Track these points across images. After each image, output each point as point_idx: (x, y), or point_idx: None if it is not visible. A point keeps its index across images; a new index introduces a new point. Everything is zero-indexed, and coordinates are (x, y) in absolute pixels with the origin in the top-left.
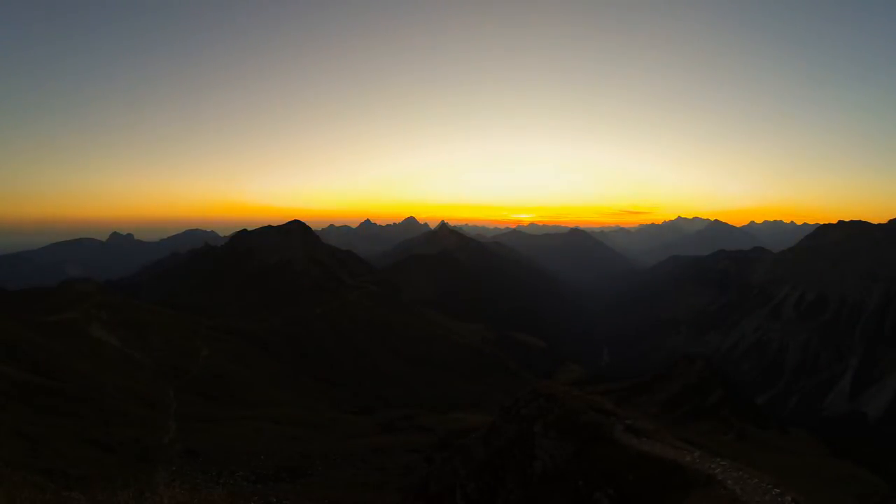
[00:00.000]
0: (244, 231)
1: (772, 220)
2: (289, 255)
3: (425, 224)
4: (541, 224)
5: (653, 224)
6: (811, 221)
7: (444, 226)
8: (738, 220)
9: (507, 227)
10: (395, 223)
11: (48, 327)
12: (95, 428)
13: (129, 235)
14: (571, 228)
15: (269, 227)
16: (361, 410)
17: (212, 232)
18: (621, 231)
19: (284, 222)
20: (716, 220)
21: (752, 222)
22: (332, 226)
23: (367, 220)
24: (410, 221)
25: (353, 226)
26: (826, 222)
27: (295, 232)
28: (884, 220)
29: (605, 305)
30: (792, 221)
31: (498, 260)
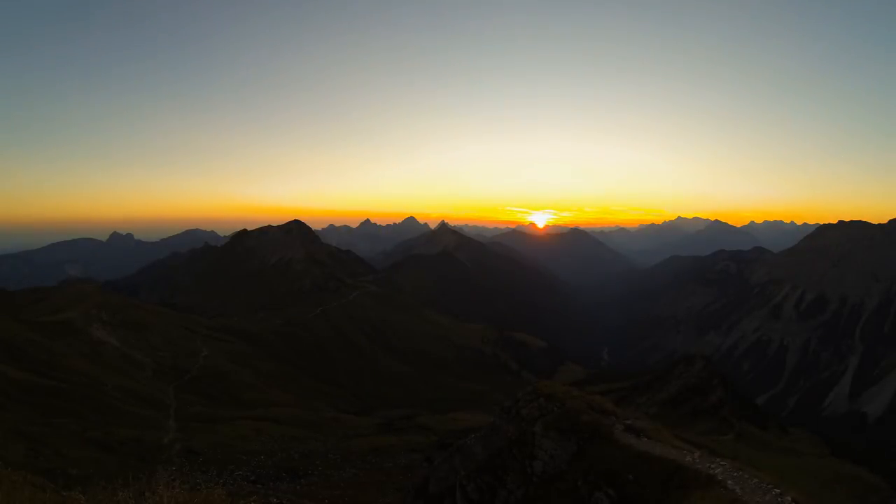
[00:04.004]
0: (244, 231)
1: (772, 220)
2: (289, 255)
3: (425, 224)
4: (541, 224)
5: (653, 224)
6: (811, 221)
7: (444, 226)
8: (738, 220)
9: (507, 227)
10: (395, 223)
11: (48, 327)
12: (95, 428)
13: (129, 235)
14: (571, 228)
15: (269, 226)
16: (361, 410)
17: (212, 232)
18: (621, 231)
19: (284, 222)
20: (716, 220)
21: (752, 222)
22: (332, 226)
23: (367, 220)
24: (410, 221)
25: (353, 226)
26: (826, 222)
27: (295, 232)
28: (884, 220)
29: (605, 305)
30: (792, 221)
31: (498, 260)
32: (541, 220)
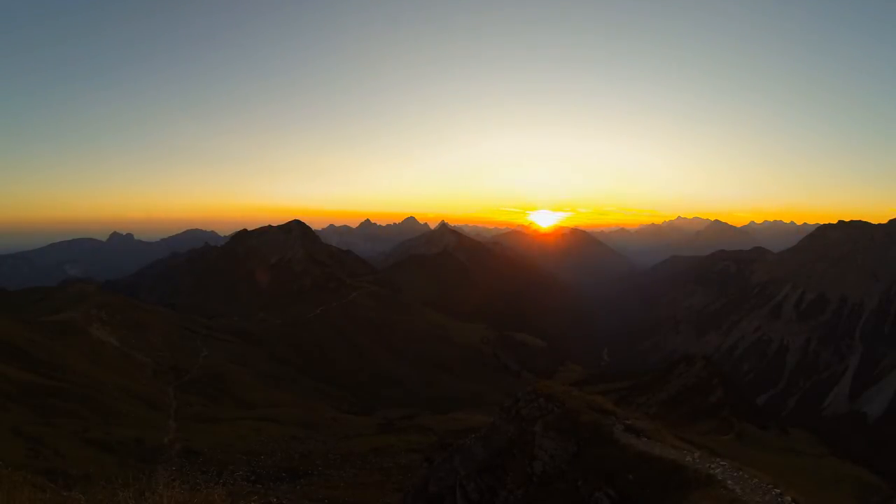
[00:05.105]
0: (244, 231)
1: (772, 220)
2: (289, 255)
3: (425, 224)
4: (545, 224)
5: (653, 224)
6: (811, 221)
7: (444, 226)
8: (738, 220)
9: (507, 227)
10: (395, 223)
11: (48, 327)
12: (95, 428)
13: (129, 235)
14: (571, 228)
15: (269, 226)
16: (361, 410)
17: (212, 232)
18: (621, 231)
19: (284, 222)
20: (716, 220)
21: (752, 222)
22: (331, 226)
23: (367, 220)
24: (410, 221)
25: (353, 226)
26: (826, 222)
27: (295, 232)
28: (884, 220)
29: (605, 305)
30: (792, 221)
31: (498, 260)
32: (543, 220)
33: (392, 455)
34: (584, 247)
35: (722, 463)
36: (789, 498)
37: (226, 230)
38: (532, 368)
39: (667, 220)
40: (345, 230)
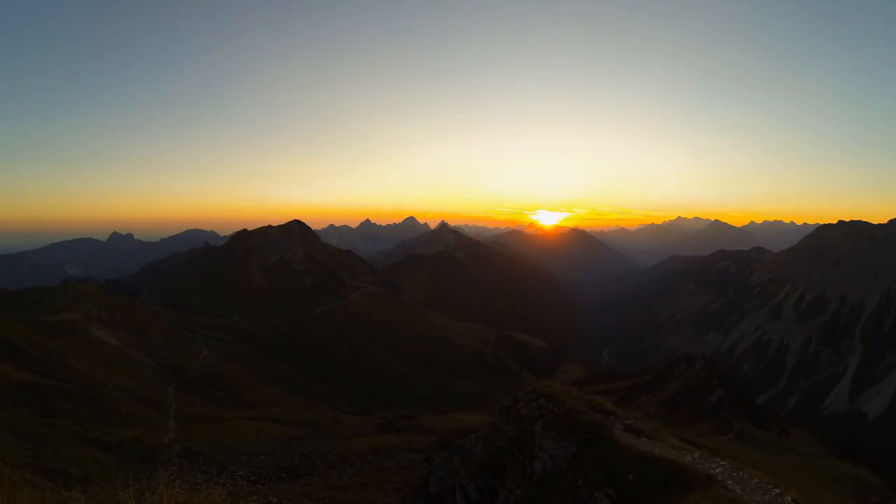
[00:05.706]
0: (244, 231)
1: (772, 220)
2: (289, 255)
3: (425, 224)
4: (548, 224)
5: (653, 224)
6: (811, 221)
7: (444, 226)
8: (738, 220)
9: (508, 227)
10: (395, 223)
11: (48, 327)
12: (95, 428)
13: (129, 235)
14: (571, 228)
15: (269, 226)
16: (361, 410)
17: (212, 232)
18: (621, 231)
19: (284, 222)
20: (716, 220)
21: (752, 222)
22: (331, 226)
23: (367, 220)
24: (410, 221)
25: (353, 226)
26: (826, 222)
27: (295, 232)
28: (884, 220)
29: (605, 305)
30: (792, 221)
31: (498, 260)
32: (545, 219)
33: (392, 455)
34: (584, 246)
35: (722, 463)
36: (789, 498)
37: (226, 230)
38: (532, 368)
39: (667, 220)
40: (345, 230)
